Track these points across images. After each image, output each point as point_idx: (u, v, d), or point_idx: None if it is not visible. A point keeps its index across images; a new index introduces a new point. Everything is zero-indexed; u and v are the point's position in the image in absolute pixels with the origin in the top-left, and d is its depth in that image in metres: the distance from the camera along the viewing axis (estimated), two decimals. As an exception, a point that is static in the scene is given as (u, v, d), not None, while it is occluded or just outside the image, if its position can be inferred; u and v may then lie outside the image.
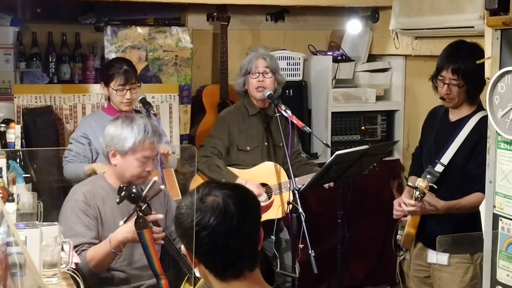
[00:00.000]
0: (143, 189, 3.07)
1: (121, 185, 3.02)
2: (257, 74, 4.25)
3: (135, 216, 2.98)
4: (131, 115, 3.38)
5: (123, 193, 2.97)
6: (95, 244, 3.16)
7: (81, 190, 3.28)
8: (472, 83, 3.39)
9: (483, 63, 3.29)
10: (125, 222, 3.01)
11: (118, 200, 3.00)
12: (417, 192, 3.37)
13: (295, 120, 4.14)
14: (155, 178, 3.03)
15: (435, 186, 3.47)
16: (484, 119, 3.36)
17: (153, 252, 2.99)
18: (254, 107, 4.34)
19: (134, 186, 3.00)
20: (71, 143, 4.08)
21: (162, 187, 3.10)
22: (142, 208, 2.97)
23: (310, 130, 4.27)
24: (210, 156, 4.19)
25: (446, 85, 3.44)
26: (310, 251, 3.67)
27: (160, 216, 3.15)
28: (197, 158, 4.20)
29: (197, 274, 1.94)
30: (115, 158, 3.26)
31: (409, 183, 3.52)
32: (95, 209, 3.24)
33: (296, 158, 4.45)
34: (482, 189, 3.30)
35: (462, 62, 3.38)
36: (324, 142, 4.48)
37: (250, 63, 4.29)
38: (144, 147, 3.23)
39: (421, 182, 3.39)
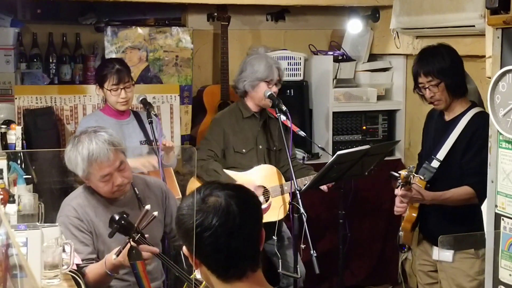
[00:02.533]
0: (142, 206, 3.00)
1: (112, 217, 2.89)
2: (273, 85, 4.25)
3: (128, 247, 2.88)
4: (87, 131, 3.19)
5: (114, 226, 2.86)
6: (92, 259, 3.13)
7: (71, 205, 3.20)
8: (448, 77, 3.50)
9: (453, 59, 3.44)
10: (117, 255, 2.91)
11: (109, 234, 2.90)
12: (399, 180, 3.43)
13: (290, 124, 4.15)
14: (148, 206, 2.91)
15: (422, 177, 3.54)
16: (477, 115, 3.52)
17: (145, 283, 2.89)
18: (249, 110, 4.32)
19: (125, 217, 2.88)
20: None
21: (156, 213, 2.94)
22: (136, 239, 2.88)
23: (305, 134, 4.33)
24: (206, 160, 4.17)
25: (427, 89, 3.55)
26: (311, 251, 3.67)
27: (156, 250, 3.03)
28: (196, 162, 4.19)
29: (198, 276, 1.93)
30: (86, 180, 3.20)
31: (392, 172, 3.61)
32: (88, 222, 3.18)
33: (292, 163, 4.43)
34: (472, 184, 3.40)
35: (429, 63, 3.52)
36: (320, 146, 4.50)
37: (271, 71, 4.24)
38: (97, 169, 3.11)
39: (402, 172, 3.44)
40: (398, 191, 3.49)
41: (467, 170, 3.48)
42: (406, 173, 3.39)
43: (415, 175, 3.51)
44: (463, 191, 3.47)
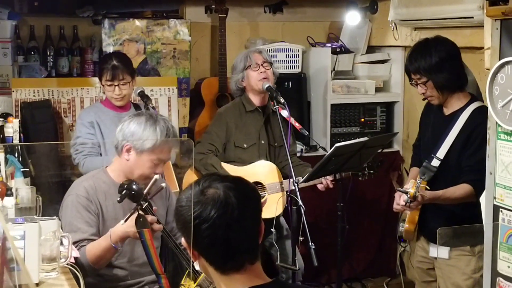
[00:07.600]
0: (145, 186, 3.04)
1: (122, 183, 2.95)
2: (258, 66, 4.26)
3: (136, 214, 2.92)
4: (154, 114, 3.33)
5: (124, 192, 2.91)
6: (94, 240, 3.13)
7: (83, 185, 3.25)
8: (435, 75, 3.44)
9: (442, 55, 3.40)
10: (125, 221, 2.95)
11: (118, 198, 2.94)
12: (407, 197, 3.40)
13: (293, 122, 4.15)
14: (157, 176, 2.98)
15: (428, 188, 3.48)
16: (477, 111, 3.43)
17: (153, 252, 2.94)
18: (252, 104, 4.32)
19: (135, 184, 2.93)
20: (78, 136, 4.05)
21: (164, 184, 3.03)
22: (143, 207, 2.92)
23: (307, 133, 4.36)
24: (206, 154, 4.17)
25: (418, 86, 3.53)
26: (310, 244, 3.67)
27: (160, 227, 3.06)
28: (194, 154, 4.18)
29: (197, 267, 1.93)
30: (129, 154, 3.22)
31: (399, 188, 3.56)
32: (97, 204, 3.21)
33: (290, 159, 4.42)
34: (469, 181, 3.35)
35: (416, 60, 3.48)
36: (321, 145, 4.50)
37: (248, 58, 4.29)
38: (162, 151, 3.22)
39: (410, 188, 3.41)
40: (403, 204, 3.45)
41: (466, 167, 3.41)
42: (414, 190, 3.37)
43: (421, 183, 3.46)
44: (461, 189, 3.40)
